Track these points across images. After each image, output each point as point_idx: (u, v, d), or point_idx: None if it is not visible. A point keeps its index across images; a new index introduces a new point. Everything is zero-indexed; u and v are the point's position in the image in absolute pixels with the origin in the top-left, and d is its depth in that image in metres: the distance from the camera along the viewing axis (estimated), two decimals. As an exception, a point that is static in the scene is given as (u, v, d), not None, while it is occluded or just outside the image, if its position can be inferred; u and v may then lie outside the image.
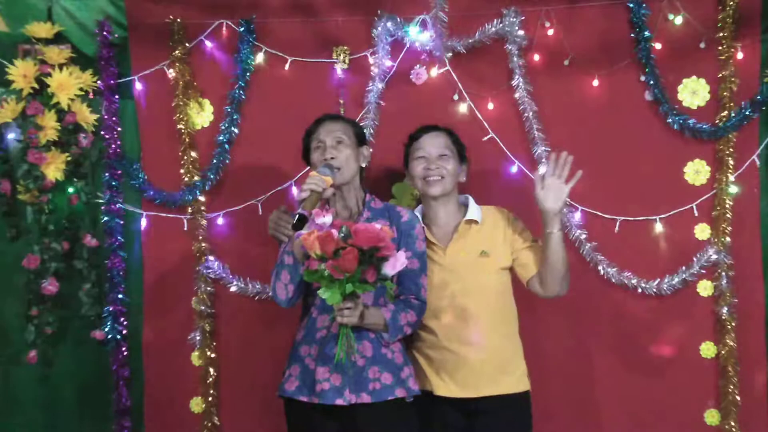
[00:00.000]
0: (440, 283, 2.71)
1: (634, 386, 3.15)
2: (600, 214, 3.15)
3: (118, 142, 3.21)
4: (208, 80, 3.24)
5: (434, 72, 3.16)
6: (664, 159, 3.13)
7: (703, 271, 3.10)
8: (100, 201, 3.20)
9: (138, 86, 3.23)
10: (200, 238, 3.22)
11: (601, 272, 3.12)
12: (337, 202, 2.68)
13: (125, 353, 3.19)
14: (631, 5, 3.08)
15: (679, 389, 3.13)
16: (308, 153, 2.72)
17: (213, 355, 3.23)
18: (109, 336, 3.16)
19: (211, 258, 3.22)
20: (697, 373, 3.13)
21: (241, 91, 3.19)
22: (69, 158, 3.10)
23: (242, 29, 3.18)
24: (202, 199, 3.22)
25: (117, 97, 3.21)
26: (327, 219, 2.35)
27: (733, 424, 3.08)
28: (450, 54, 3.15)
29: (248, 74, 3.19)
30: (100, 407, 3.21)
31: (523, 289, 2.80)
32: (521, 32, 3.10)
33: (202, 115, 3.24)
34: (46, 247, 3.09)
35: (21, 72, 3.05)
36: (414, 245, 2.64)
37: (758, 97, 3.04)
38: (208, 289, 3.23)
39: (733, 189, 3.07)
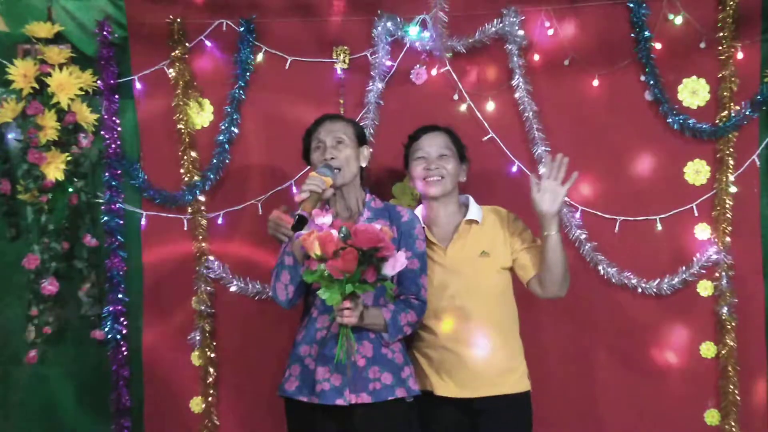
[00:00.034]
0: (440, 283, 2.71)
1: (635, 386, 3.15)
2: (600, 214, 3.14)
3: (118, 142, 3.20)
4: (208, 80, 3.24)
5: (434, 72, 3.16)
6: (664, 159, 3.13)
7: (703, 271, 3.10)
8: (100, 201, 3.20)
9: (138, 86, 3.23)
10: (200, 238, 3.22)
11: (601, 272, 3.12)
12: (337, 202, 2.68)
13: (125, 353, 3.19)
14: (631, 5, 3.08)
15: (679, 389, 3.13)
16: (308, 153, 2.72)
17: (213, 355, 3.23)
18: (109, 336, 3.16)
19: (211, 258, 3.22)
20: (697, 373, 3.13)
21: (241, 91, 3.19)
22: (69, 158, 3.10)
23: (242, 29, 3.17)
24: (202, 199, 3.22)
25: (117, 96, 3.21)
26: (327, 219, 2.35)
27: (733, 424, 3.08)
28: (450, 54, 3.14)
29: (248, 74, 3.19)
30: (100, 407, 3.20)
31: (523, 289, 2.80)
32: (521, 32, 3.09)
33: (202, 115, 3.24)
34: (45, 247, 3.09)
35: (21, 72, 3.05)
36: (414, 245, 2.64)
37: (758, 97, 3.03)
38: (208, 289, 3.22)
39: (733, 189, 3.07)
